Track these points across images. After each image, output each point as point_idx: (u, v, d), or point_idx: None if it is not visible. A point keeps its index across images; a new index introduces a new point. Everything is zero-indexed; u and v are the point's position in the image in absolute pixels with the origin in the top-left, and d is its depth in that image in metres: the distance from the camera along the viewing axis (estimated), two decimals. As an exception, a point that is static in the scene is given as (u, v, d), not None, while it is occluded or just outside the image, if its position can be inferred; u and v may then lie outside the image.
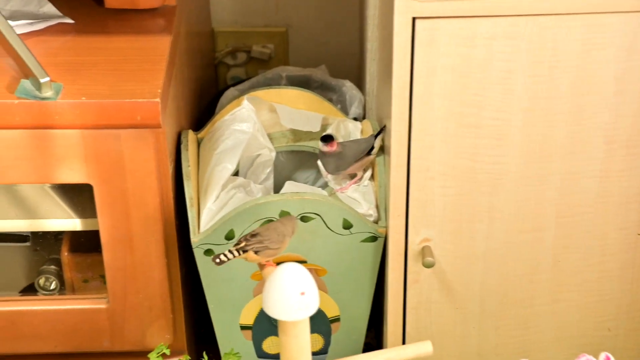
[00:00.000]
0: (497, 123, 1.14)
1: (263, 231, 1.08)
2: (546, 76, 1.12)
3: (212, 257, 1.11)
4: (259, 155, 1.33)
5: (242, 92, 1.49)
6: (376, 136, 1.28)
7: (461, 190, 1.19)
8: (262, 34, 1.70)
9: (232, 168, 1.28)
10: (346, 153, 1.28)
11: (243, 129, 1.32)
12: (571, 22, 1.09)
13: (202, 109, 1.57)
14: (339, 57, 1.71)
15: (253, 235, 1.07)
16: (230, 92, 1.52)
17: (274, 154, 1.33)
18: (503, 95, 1.13)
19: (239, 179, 1.29)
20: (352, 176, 1.31)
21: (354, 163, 1.28)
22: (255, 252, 1.07)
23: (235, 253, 1.06)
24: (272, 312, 0.98)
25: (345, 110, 1.50)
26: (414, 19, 1.08)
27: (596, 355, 1.04)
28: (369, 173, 1.31)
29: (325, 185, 1.35)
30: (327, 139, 1.27)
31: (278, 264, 1.09)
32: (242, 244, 1.06)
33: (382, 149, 1.30)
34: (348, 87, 1.53)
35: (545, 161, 1.17)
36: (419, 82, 1.12)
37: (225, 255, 1.06)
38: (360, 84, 1.58)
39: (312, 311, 0.98)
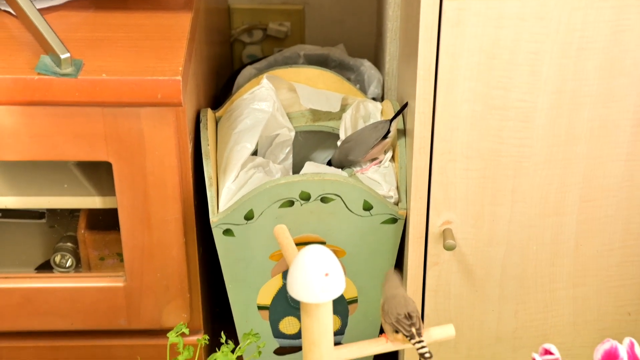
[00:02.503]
0: (523, 105, 1.13)
1: (398, 306, 1.05)
2: (574, 58, 1.10)
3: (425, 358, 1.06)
4: (277, 134, 1.32)
5: (260, 71, 1.47)
6: (392, 120, 1.26)
7: (484, 173, 1.18)
8: (278, 11, 1.69)
9: (251, 147, 1.26)
10: (362, 140, 1.27)
11: (262, 108, 1.30)
12: (601, 3, 1.07)
13: (219, 87, 1.55)
14: (355, 35, 1.70)
15: (416, 318, 1.04)
16: (248, 70, 1.50)
17: (293, 134, 1.32)
18: (530, 77, 1.11)
19: (258, 159, 1.28)
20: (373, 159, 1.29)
21: (370, 150, 1.27)
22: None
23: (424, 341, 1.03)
24: (297, 294, 0.97)
25: (363, 90, 1.49)
26: (441, -2, 1.07)
27: (618, 340, 1.04)
28: (389, 154, 1.30)
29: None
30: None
31: (298, 245, 1.08)
32: (421, 332, 1.03)
33: (404, 131, 1.28)
34: (366, 66, 1.51)
35: (570, 144, 1.16)
36: (444, 63, 1.10)
37: (429, 351, 1.03)
38: (377, 63, 1.56)
39: (337, 294, 0.97)
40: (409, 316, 1.03)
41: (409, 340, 1.03)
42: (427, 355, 1.02)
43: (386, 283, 1.10)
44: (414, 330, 1.03)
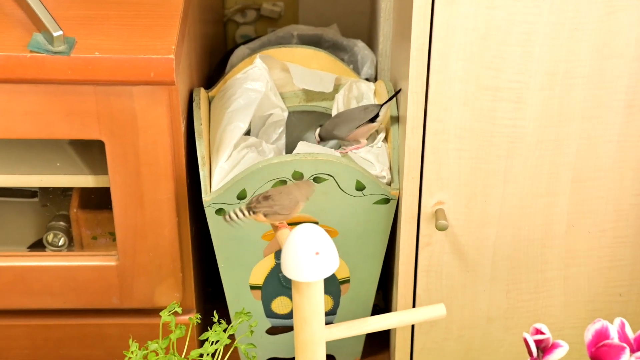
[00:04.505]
0: (515, 85, 1.13)
1: (276, 194, 1.07)
2: (567, 39, 1.10)
3: (222, 215, 1.11)
4: (271, 114, 1.31)
5: (253, 51, 1.47)
6: (383, 105, 1.26)
7: (477, 153, 1.18)
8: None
9: (244, 127, 1.26)
10: (349, 119, 1.27)
11: (255, 87, 1.30)
12: (594, -16, 1.07)
13: (212, 67, 1.55)
14: (349, 16, 1.69)
15: (265, 197, 1.06)
16: (241, 50, 1.50)
17: (286, 114, 1.32)
18: (523, 57, 1.11)
19: (251, 139, 1.27)
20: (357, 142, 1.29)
21: (354, 130, 1.27)
22: (264, 215, 1.06)
23: (245, 212, 1.06)
24: (289, 273, 0.97)
25: (357, 71, 1.49)
26: (434, -22, 1.06)
27: (609, 321, 1.04)
28: (382, 135, 1.30)
29: (337, 147, 1.34)
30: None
31: (290, 224, 1.08)
32: (253, 205, 1.06)
33: (397, 111, 1.28)
34: (360, 47, 1.51)
35: (562, 125, 1.16)
36: (437, 44, 1.10)
37: (235, 214, 1.06)
38: (371, 43, 1.56)
39: (329, 272, 0.98)
40: (263, 198, 1.06)
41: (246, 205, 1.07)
42: (226, 217, 1.06)
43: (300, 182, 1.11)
44: (253, 203, 1.06)
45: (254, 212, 1.06)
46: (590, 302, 1.29)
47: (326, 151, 1.28)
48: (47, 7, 1.12)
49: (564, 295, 1.29)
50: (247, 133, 1.30)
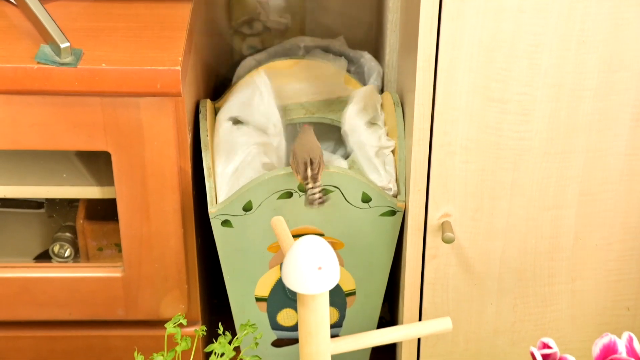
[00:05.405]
0: (522, 98, 1.13)
1: (299, 152, 1.13)
2: (574, 51, 1.10)
3: (310, 202, 1.14)
4: (271, 125, 1.31)
5: (260, 62, 1.47)
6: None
7: (483, 165, 1.17)
8: (279, 3, 1.68)
9: (250, 140, 1.26)
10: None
11: (259, 101, 1.30)
12: (602, -3, 1.07)
13: (218, 79, 1.55)
14: (355, 27, 1.69)
15: (306, 164, 1.12)
16: (248, 61, 1.50)
17: (279, 128, 1.30)
18: (530, 70, 1.11)
19: (257, 150, 1.27)
20: None
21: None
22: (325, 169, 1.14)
23: (317, 186, 1.12)
24: (291, 285, 0.97)
25: (363, 82, 1.48)
26: (441, -10, 1.06)
27: (616, 334, 1.04)
28: (392, 142, 1.29)
29: (345, 156, 1.34)
30: None
31: (295, 237, 1.08)
32: (315, 174, 1.11)
33: (403, 123, 1.28)
34: (367, 58, 1.51)
35: (569, 137, 1.16)
36: (444, 55, 1.10)
37: (314, 194, 1.12)
38: (377, 55, 1.56)
39: (331, 285, 0.98)
40: (310, 162, 1.12)
41: (305, 184, 1.13)
42: (315, 201, 1.12)
43: (301, 133, 1.20)
44: (309, 173, 1.12)
45: (317, 177, 1.11)
46: (597, 315, 1.29)
47: (332, 162, 1.27)
48: (55, 19, 1.13)
49: (571, 309, 1.28)
50: (254, 144, 1.30)
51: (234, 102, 1.31)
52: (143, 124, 1.16)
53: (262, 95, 1.30)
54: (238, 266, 1.28)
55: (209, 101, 1.32)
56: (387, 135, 1.30)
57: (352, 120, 1.28)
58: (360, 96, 1.32)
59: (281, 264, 1.29)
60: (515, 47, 1.10)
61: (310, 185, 1.13)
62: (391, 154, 1.29)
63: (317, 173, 1.13)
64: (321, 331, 1.01)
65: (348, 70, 1.49)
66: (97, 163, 1.29)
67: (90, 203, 1.33)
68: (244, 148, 1.25)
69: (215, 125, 1.31)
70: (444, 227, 1.20)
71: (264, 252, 1.27)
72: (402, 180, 1.25)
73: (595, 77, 1.12)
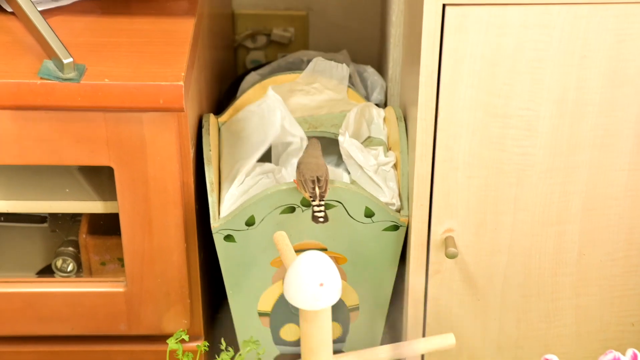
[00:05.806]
0: (525, 113, 1.13)
1: (306, 170, 1.15)
2: (577, 66, 1.10)
3: (315, 219, 1.16)
4: (290, 143, 1.31)
5: (264, 77, 1.47)
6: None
7: (486, 181, 1.17)
8: (282, 17, 1.69)
9: (258, 155, 1.26)
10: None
11: (271, 120, 1.30)
12: (605, 12, 1.07)
13: (222, 93, 1.55)
14: (359, 41, 1.69)
15: (313, 180, 1.14)
16: (252, 76, 1.50)
17: (305, 143, 1.30)
18: (532, 85, 1.11)
19: (267, 165, 1.27)
20: None
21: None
22: (330, 183, 1.16)
23: (322, 202, 1.14)
24: (293, 301, 0.97)
25: (366, 97, 1.49)
26: (444, 5, 1.06)
27: (621, 351, 1.03)
28: (392, 158, 1.29)
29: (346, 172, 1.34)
30: None
31: (298, 251, 1.08)
32: (322, 192, 1.13)
33: (406, 138, 1.28)
34: (370, 72, 1.51)
35: (573, 153, 1.15)
36: (446, 70, 1.10)
37: (320, 211, 1.13)
38: (380, 69, 1.56)
39: (333, 301, 0.97)
40: (317, 179, 1.14)
41: (311, 200, 1.15)
42: (320, 219, 1.14)
43: (308, 148, 1.22)
44: (317, 192, 1.14)
45: (323, 196, 1.13)
46: (602, 331, 1.28)
47: (335, 177, 1.27)
48: (58, 34, 1.13)
49: (575, 325, 1.28)
50: (268, 160, 1.30)
51: (245, 125, 1.31)
52: (146, 139, 1.16)
53: (281, 112, 1.29)
54: (241, 281, 1.28)
55: (212, 116, 1.32)
56: (389, 149, 1.30)
57: (346, 146, 1.28)
58: (351, 121, 1.31)
59: (284, 279, 1.28)
60: (517, 62, 1.09)
61: (316, 203, 1.15)
62: (392, 169, 1.29)
63: (324, 191, 1.15)
64: (323, 347, 1.01)
65: (351, 84, 1.49)
66: (100, 178, 1.29)
67: (93, 218, 1.33)
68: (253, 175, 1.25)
69: (222, 140, 1.31)
70: (447, 242, 1.20)
71: (267, 266, 1.27)
72: (404, 194, 1.25)
73: (598, 93, 1.12)
